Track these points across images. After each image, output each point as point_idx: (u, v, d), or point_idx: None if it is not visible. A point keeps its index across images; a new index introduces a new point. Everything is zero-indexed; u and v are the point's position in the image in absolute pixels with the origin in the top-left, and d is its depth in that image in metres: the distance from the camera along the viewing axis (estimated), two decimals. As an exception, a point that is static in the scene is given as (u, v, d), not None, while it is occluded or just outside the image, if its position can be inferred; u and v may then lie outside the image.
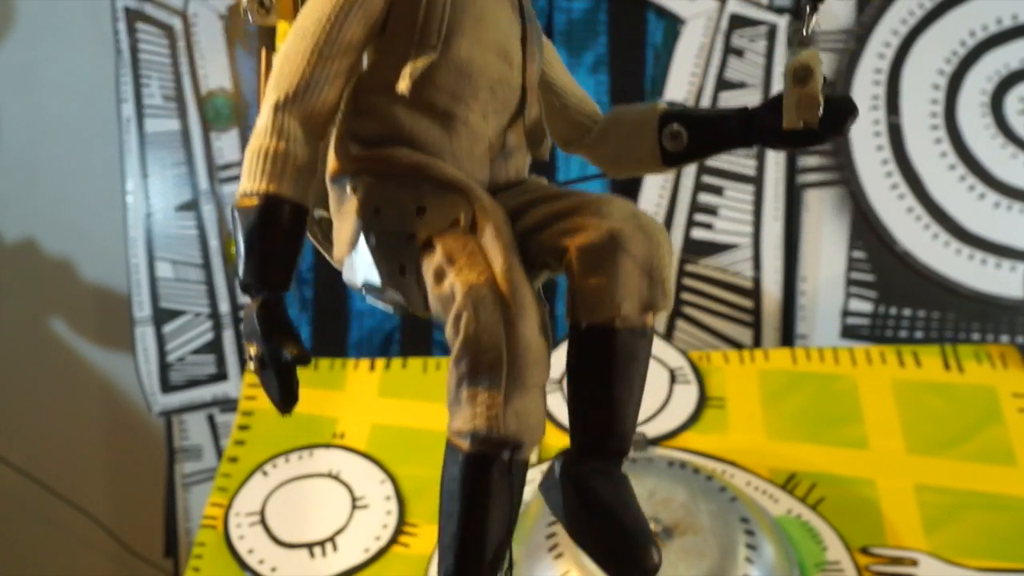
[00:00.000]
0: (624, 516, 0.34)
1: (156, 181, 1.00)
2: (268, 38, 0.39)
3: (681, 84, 0.95)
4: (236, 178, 0.99)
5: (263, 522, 0.76)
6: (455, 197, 0.35)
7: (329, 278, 0.98)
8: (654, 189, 0.97)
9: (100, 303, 1.12)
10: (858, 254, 0.95)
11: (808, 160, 0.95)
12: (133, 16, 0.97)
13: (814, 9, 0.36)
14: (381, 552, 0.73)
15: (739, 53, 0.95)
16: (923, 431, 0.80)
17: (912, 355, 0.87)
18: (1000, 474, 0.76)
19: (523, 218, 0.35)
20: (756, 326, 0.97)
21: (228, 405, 1.03)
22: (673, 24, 0.95)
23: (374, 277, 0.35)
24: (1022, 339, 0.93)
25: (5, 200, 1.10)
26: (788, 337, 0.96)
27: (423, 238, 0.34)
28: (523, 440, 0.32)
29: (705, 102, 0.95)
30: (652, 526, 0.64)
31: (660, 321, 0.96)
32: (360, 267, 0.36)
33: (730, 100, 0.95)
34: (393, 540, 0.74)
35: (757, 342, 0.97)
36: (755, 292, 0.96)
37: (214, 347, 1.02)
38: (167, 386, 1.02)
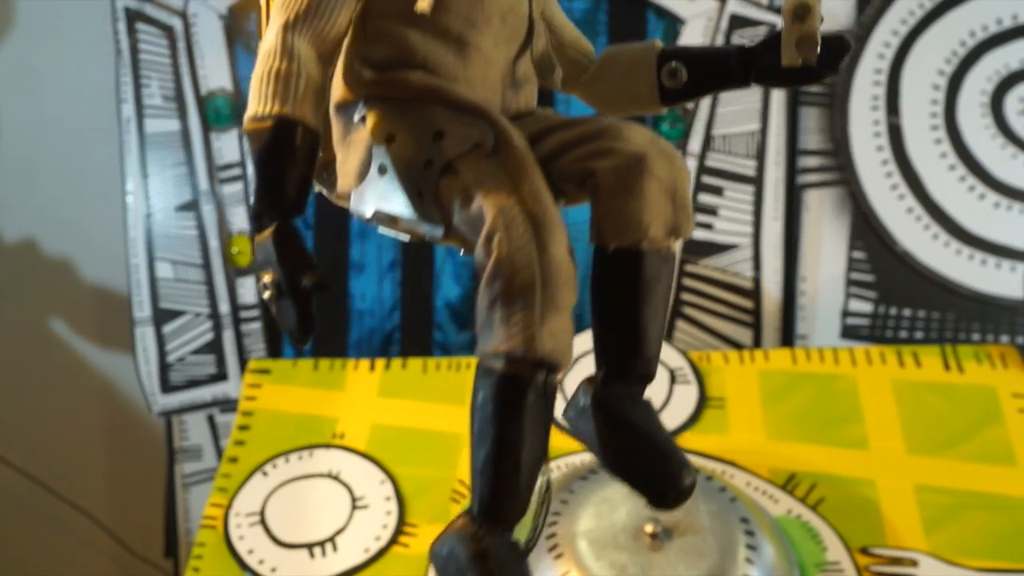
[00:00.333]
0: (658, 438, 0.35)
1: (156, 181, 1.00)
2: None
3: (681, 84, 0.95)
4: (236, 178, 0.99)
5: (263, 522, 0.76)
6: (475, 121, 0.34)
7: (329, 278, 0.98)
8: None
9: (100, 303, 1.12)
10: (858, 254, 0.95)
11: (808, 160, 0.95)
12: (133, 16, 0.97)
13: None
14: (381, 552, 0.73)
15: (739, 53, 0.94)
16: (923, 431, 0.80)
17: (912, 355, 0.87)
18: (1000, 474, 0.76)
19: (539, 146, 0.35)
20: (756, 326, 0.97)
21: (228, 405, 1.03)
22: (673, 24, 0.95)
23: (387, 206, 0.34)
24: (1022, 339, 0.93)
25: (5, 200, 1.10)
26: (788, 337, 0.96)
27: (442, 163, 0.33)
28: (558, 361, 0.32)
29: (705, 101, 0.95)
30: (652, 526, 0.64)
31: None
32: (371, 196, 0.35)
33: (730, 100, 0.95)
34: (393, 540, 0.74)
35: (757, 342, 0.97)
36: (755, 292, 0.96)
37: (214, 347, 1.02)
38: (167, 386, 1.02)
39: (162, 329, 1.01)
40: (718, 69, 0.40)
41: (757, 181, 0.95)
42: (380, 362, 0.90)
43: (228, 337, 1.02)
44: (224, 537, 0.75)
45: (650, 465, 0.35)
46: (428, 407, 0.85)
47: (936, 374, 0.85)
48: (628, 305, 0.35)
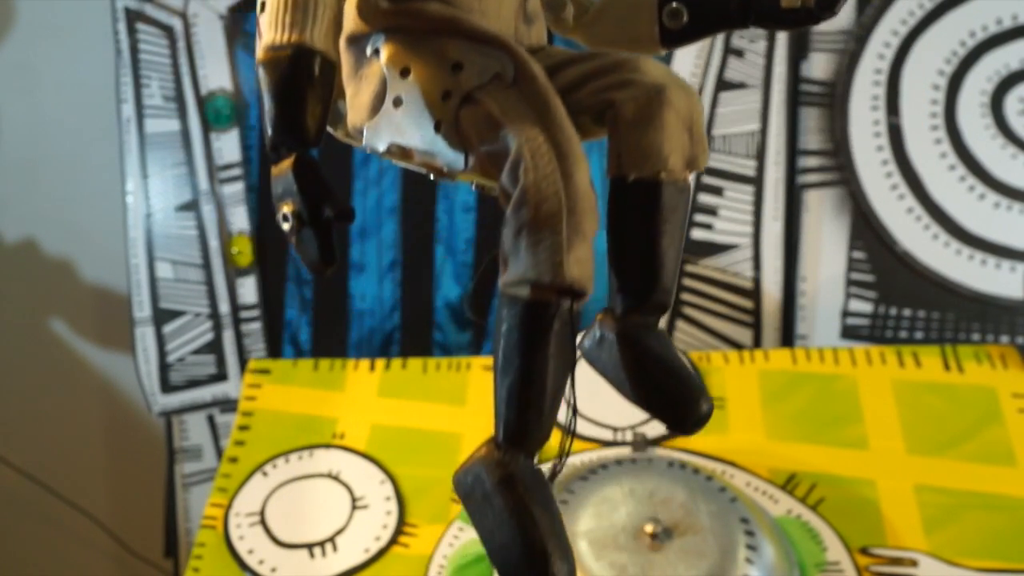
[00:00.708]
0: (677, 366, 0.36)
1: (156, 181, 1.00)
2: None
3: (681, 84, 0.95)
4: (236, 178, 0.99)
5: (263, 522, 0.76)
6: (494, 52, 0.34)
7: (329, 278, 0.98)
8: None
9: (100, 303, 1.12)
10: (858, 254, 0.95)
11: (808, 160, 0.95)
12: (133, 16, 0.97)
13: None
14: (381, 552, 0.73)
15: (739, 53, 0.95)
16: (923, 431, 0.80)
17: (912, 355, 0.87)
18: (1000, 474, 0.76)
19: (554, 79, 0.35)
20: (756, 326, 0.97)
21: (228, 405, 1.03)
22: None
23: (402, 139, 0.34)
24: (1022, 339, 0.93)
25: (5, 200, 1.10)
26: (788, 337, 0.96)
27: (461, 95, 0.33)
28: (584, 288, 0.32)
29: (705, 102, 0.95)
30: (652, 526, 0.64)
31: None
32: (385, 130, 0.35)
33: (730, 100, 0.95)
34: (393, 540, 0.74)
35: (757, 342, 0.97)
36: (755, 292, 0.96)
37: (214, 347, 1.02)
38: (167, 386, 1.02)
39: (162, 329, 1.01)
40: (719, 10, 0.40)
41: (757, 181, 0.95)
42: (380, 362, 0.90)
43: (228, 337, 1.02)
44: (224, 537, 0.75)
45: (671, 395, 0.35)
46: (428, 407, 0.85)
47: (936, 374, 0.85)
48: (647, 236, 0.35)
